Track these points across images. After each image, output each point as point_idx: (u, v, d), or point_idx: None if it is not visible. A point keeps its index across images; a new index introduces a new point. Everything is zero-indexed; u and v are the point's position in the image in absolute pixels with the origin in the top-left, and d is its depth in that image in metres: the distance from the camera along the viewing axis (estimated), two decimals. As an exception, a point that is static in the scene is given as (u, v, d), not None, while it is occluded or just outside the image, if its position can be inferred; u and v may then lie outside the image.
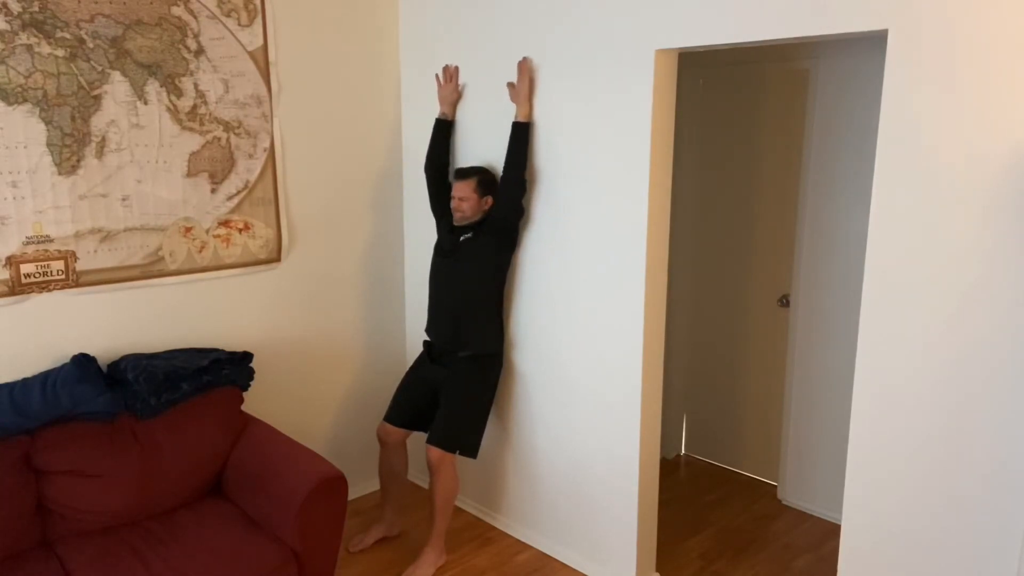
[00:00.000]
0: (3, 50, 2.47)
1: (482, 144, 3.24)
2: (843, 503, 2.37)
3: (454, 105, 3.33)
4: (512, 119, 3.03)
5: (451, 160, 3.37)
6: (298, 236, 3.34)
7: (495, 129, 3.15)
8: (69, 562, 2.37)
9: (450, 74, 3.31)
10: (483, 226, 3.08)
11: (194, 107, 2.92)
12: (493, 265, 3.11)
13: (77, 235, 2.70)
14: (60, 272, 2.68)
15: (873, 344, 2.24)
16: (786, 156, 3.72)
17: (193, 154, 2.94)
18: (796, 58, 3.53)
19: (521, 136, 3.00)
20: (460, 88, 3.31)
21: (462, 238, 3.10)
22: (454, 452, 3.07)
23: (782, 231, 3.78)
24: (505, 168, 3.03)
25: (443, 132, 3.33)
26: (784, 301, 3.78)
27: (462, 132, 3.35)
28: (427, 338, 3.27)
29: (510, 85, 3.05)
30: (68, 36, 2.59)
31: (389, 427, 3.24)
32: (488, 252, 3.08)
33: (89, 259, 2.74)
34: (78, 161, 2.67)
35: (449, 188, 3.16)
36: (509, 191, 3.04)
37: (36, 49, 2.53)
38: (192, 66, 2.89)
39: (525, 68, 2.99)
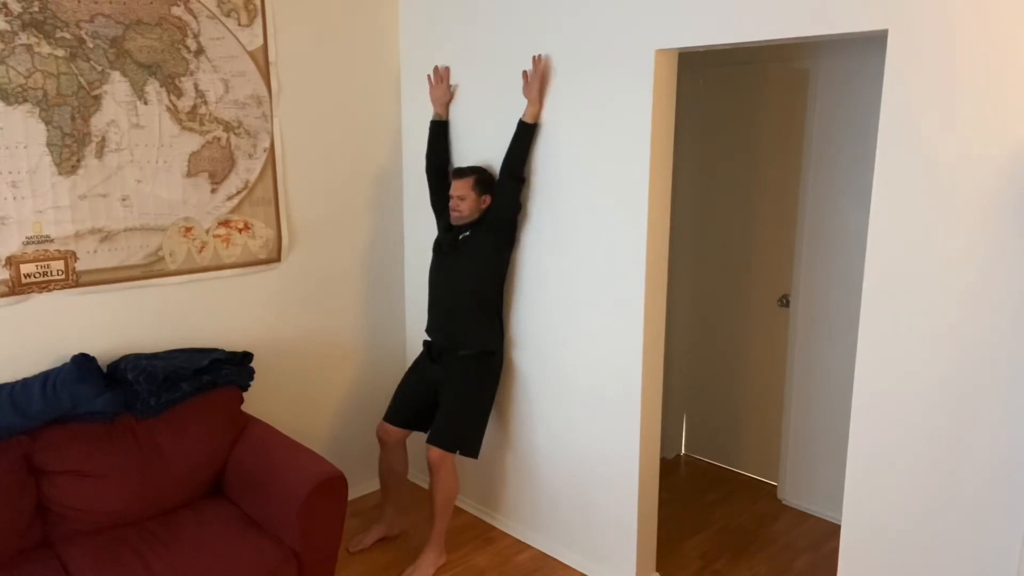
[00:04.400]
0: (3, 50, 2.47)
1: (480, 143, 3.24)
2: (843, 503, 2.37)
3: (447, 105, 3.36)
4: (519, 117, 3.00)
5: (450, 159, 3.38)
6: (298, 236, 3.34)
7: (491, 128, 3.16)
8: (69, 562, 2.37)
9: (440, 75, 3.34)
10: (482, 224, 3.08)
11: (194, 107, 2.92)
12: (492, 263, 3.12)
13: (77, 235, 2.70)
14: (60, 272, 2.68)
15: (873, 344, 2.24)
16: (786, 156, 3.72)
17: (193, 154, 2.94)
18: (796, 58, 3.52)
19: (525, 136, 3.00)
20: (452, 88, 3.33)
21: (461, 236, 3.10)
22: (454, 452, 3.06)
23: (782, 231, 3.78)
24: (504, 164, 3.03)
25: (439, 133, 3.35)
26: (784, 301, 3.78)
27: (459, 131, 3.35)
28: (427, 338, 3.28)
29: (525, 75, 2.99)
30: (68, 36, 2.59)
31: (389, 427, 3.24)
32: (487, 251, 3.09)
33: (89, 259, 2.74)
34: (78, 161, 2.67)
35: (449, 187, 3.17)
36: (507, 187, 3.04)
37: (36, 49, 2.53)
38: (192, 66, 2.89)
39: (539, 65, 2.95)
